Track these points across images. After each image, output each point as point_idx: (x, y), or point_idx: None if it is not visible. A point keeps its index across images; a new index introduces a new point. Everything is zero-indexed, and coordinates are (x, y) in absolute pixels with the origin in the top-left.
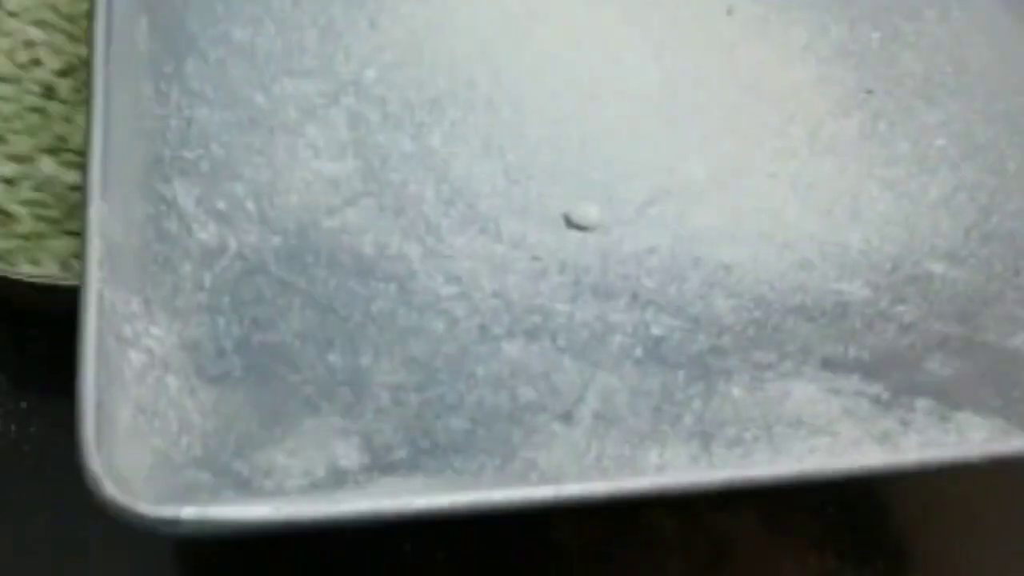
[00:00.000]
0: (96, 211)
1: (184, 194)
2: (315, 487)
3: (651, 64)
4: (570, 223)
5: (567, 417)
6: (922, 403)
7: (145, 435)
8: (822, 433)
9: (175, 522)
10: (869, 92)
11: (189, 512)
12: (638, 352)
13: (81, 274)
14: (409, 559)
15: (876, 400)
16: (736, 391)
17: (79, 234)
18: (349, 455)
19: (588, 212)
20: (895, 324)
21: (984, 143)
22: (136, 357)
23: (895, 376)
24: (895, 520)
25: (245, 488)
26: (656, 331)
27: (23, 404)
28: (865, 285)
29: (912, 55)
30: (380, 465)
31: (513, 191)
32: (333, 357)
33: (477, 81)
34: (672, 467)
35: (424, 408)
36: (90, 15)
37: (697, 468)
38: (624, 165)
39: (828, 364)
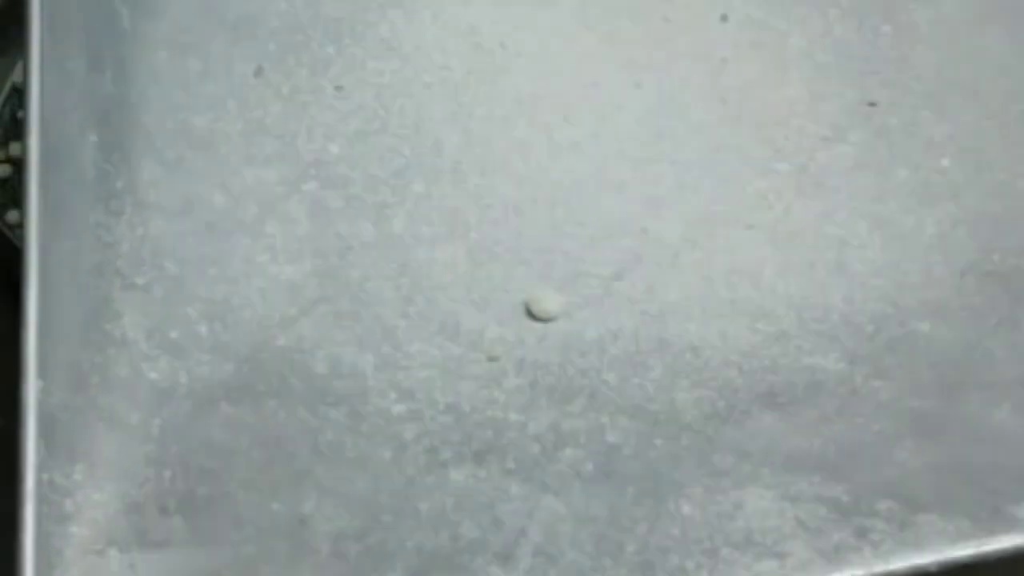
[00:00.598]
0: (32, 389)
1: (134, 329)
2: None
3: (632, 95)
4: (531, 314)
5: (506, 557)
6: (884, 505)
7: None
8: (768, 556)
9: None
10: (872, 105)
11: None
12: (588, 467)
13: (18, 458)
14: None
15: (835, 506)
16: (686, 508)
17: None
18: None
19: (550, 303)
20: (869, 405)
21: (994, 159)
22: (78, 532)
23: (860, 473)
24: None
25: None
26: (611, 438)
27: None
28: (842, 358)
29: (925, 50)
30: None
31: (475, 277)
32: (276, 506)
33: (443, 144)
34: None
35: (363, 559)
36: (24, 160)
37: None
38: (594, 227)
39: (788, 464)
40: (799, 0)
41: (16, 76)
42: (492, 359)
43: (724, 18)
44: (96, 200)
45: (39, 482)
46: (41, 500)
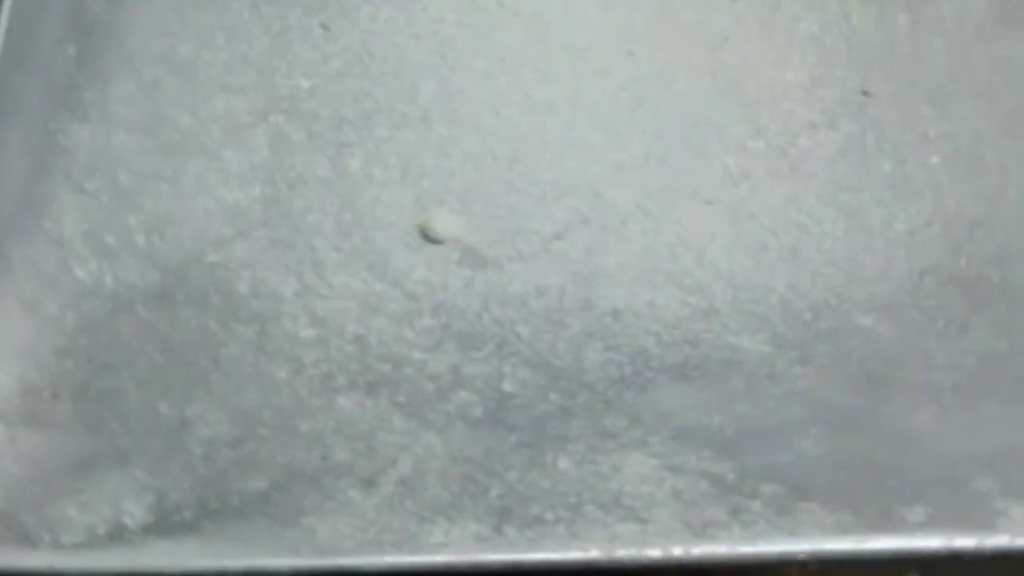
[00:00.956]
0: None
1: (72, 229)
2: (91, 544)
3: (621, 62)
4: (463, 261)
5: (369, 483)
6: (768, 489)
7: None
8: (634, 519)
9: None
10: (866, 94)
11: None
12: (477, 412)
13: None
14: None
15: (717, 482)
16: (563, 463)
17: None
18: (135, 513)
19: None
20: (782, 390)
21: (989, 163)
22: None
23: (753, 455)
24: None
25: (24, 542)
26: (508, 387)
27: None
28: (768, 341)
29: (942, 45)
30: (161, 527)
31: (415, 221)
32: (163, 406)
33: (418, 92)
34: (451, 545)
35: (230, 466)
36: None
37: (473, 548)
38: (546, 188)
39: (681, 435)
40: None
41: None
42: (411, 298)
43: None
44: (61, 107)
45: None
46: None
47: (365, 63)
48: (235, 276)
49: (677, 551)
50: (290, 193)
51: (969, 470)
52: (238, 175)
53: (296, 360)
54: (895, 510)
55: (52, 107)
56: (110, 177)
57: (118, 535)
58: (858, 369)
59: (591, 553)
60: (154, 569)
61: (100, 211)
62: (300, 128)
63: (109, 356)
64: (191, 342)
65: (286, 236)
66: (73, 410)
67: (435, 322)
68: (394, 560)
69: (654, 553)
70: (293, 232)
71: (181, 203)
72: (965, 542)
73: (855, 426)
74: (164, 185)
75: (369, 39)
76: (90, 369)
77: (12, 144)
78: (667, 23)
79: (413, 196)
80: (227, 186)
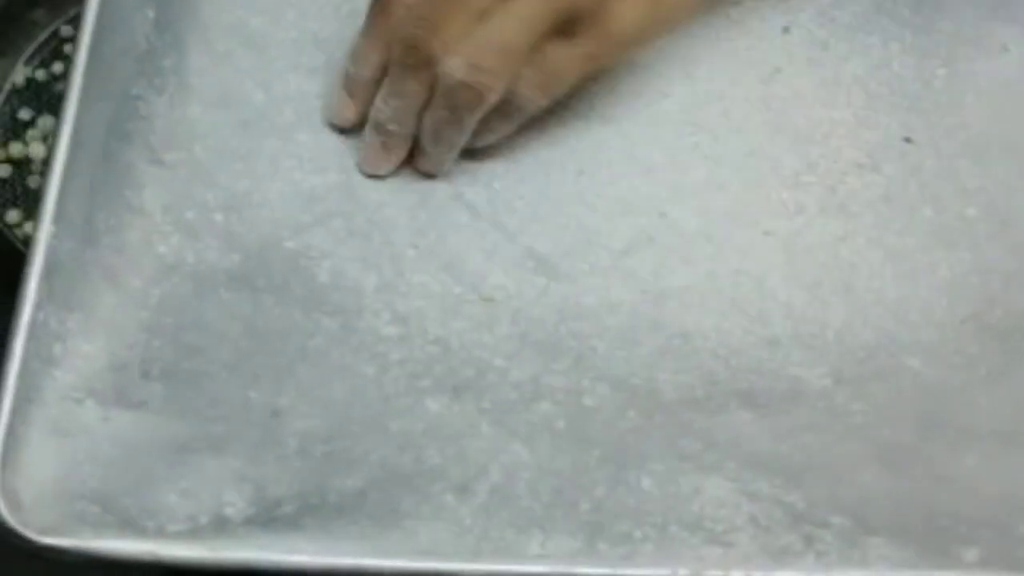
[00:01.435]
0: (45, 232)
1: (153, 201)
2: (195, 532)
3: (679, 83)
4: (538, 269)
5: (463, 489)
6: (837, 520)
7: (50, 460)
8: (717, 542)
9: (58, 550)
10: (907, 141)
11: (69, 543)
12: (560, 423)
13: (20, 293)
14: None
15: (790, 510)
16: (646, 481)
17: None
18: (236, 504)
19: (558, 261)
20: (844, 425)
21: (1020, 218)
22: (61, 377)
23: (820, 486)
24: None
25: (128, 527)
26: (588, 401)
27: None
28: (827, 374)
29: (975, 100)
30: (263, 519)
31: (489, 224)
32: (254, 394)
33: None
34: (549, 557)
35: (326, 461)
36: (83, 10)
37: (570, 561)
38: (614, 203)
39: (754, 462)
40: (865, 27)
41: (16, 76)
42: (487, 300)
43: (786, 30)
44: (141, 74)
45: (34, 320)
46: (31, 337)
47: None
48: (315, 265)
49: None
50: (364, 182)
51: (1014, 514)
52: (312, 159)
53: (382, 357)
54: (952, 549)
55: (134, 73)
56: (187, 150)
57: (221, 526)
58: (908, 409)
59: (680, 573)
60: (267, 564)
61: (179, 184)
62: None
63: (195, 338)
64: (276, 330)
65: (363, 228)
66: (164, 392)
67: (513, 329)
68: (497, 568)
69: None
70: (369, 224)
71: (257, 183)
72: None
73: (909, 465)
74: (239, 163)
75: None
76: (177, 350)
77: (100, 111)
78: (723, 51)
79: (485, 198)
80: (302, 170)
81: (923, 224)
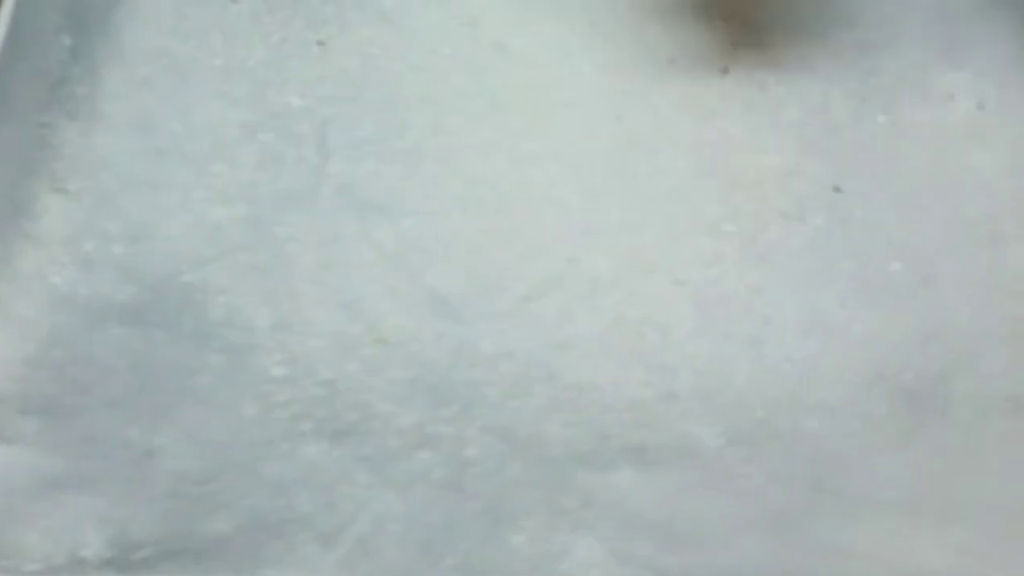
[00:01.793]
0: None
1: (51, 231)
2: (49, 573)
3: (609, 125)
4: (438, 311)
5: (328, 539)
6: None
7: None
8: None
9: None
10: (837, 190)
11: None
12: (438, 474)
13: None
14: None
15: (662, 575)
16: (517, 538)
17: None
18: (94, 545)
19: (460, 304)
20: (732, 487)
21: (945, 276)
22: None
23: (698, 550)
24: None
25: None
26: (470, 451)
27: None
28: (723, 434)
29: (913, 149)
30: (119, 563)
31: (395, 263)
32: (132, 432)
33: (409, 127)
34: None
35: (195, 504)
36: None
37: None
38: (524, 244)
39: (632, 523)
40: (806, 70)
41: None
42: (381, 342)
43: (725, 71)
44: (52, 101)
45: None
46: None
47: (359, 88)
48: (210, 301)
49: None
50: (272, 217)
51: None
52: (223, 192)
53: (266, 398)
54: None
55: (44, 100)
56: (94, 179)
57: (76, 568)
58: (802, 474)
59: None
60: None
61: (81, 214)
62: (288, 149)
63: (80, 373)
64: (163, 366)
65: (265, 263)
66: (40, 427)
67: (405, 374)
68: None
69: None
70: (272, 260)
71: (163, 215)
72: None
73: (795, 532)
74: (148, 193)
75: (365, 63)
76: (61, 384)
77: (2, 137)
78: (657, 92)
79: (394, 237)
80: (211, 202)
81: (844, 278)
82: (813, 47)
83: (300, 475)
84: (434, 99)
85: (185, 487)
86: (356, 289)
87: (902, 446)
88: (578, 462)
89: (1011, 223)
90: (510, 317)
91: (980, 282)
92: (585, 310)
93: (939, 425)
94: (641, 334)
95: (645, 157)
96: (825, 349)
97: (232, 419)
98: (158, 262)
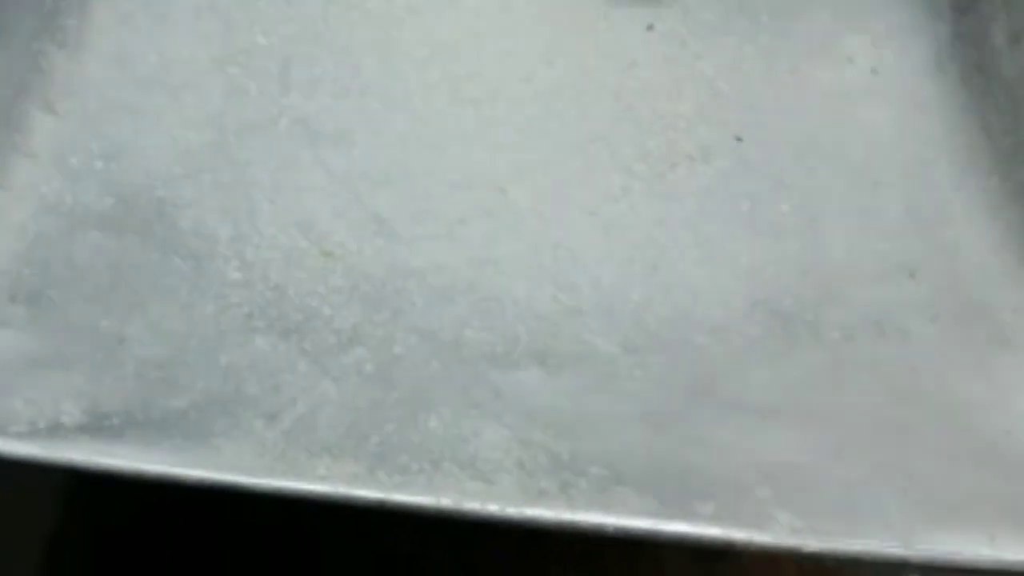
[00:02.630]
0: None
1: (42, 147)
2: (32, 434)
3: (542, 71)
4: (379, 231)
5: (272, 416)
6: (595, 470)
7: None
8: (482, 480)
9: None
10: (739, 139)
11: None
12: (369, 367)
13: None
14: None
15: (555, 458)
16: (433, 423)
17: None
18: (72, 413)
19: (398, 226)
20: (620, 389)
21: (828, 216)
22: None
23: (588, 439)
24: None
25: None
26: (397, 350)
27: None
28: (619, 343)
29: (812, 106)
30: (92, 428)
31: (342, 187)
32: (105, 322)
33: (361, 68)
34: (331, 479)
35: (157, 385)
36: None
37: (348, 485)
38: (459, 175)
39: (533, 414)
40: (724, 28)
41: None
42: (327, 255)
43: (650, 27)
44: (44, 30)
45: None
46: None
47: (319, 31)
48: (179, 213)
49: (512, 511)
50: (236, 142)
51: (754, 479)
52: (193, 118)
53: (224, 298)
54: (691, 504)
55: (37, 29)
56: (80, 102)
57: (56, 431)
58: (684, 380)
59: (443, 502)
60: (88, 465)
61: (68, 133)
62: (252, 82)
63: (62, 270)
64: (134, 268)
65: (228, 182)
66: (26, 314)
67: (345, 282)
68: (282, 485)
69: (493, 509)
70: (234, 180)
71: (139, 136)
72: (738, 536)
73: (671, 428)
74: (127, 117)
75: (327, 7)
76: (45, 279)
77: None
78: (587, 41)
79: (344, 164)
80: (182, 127)
81: (737, 216)
82: (732, 9)
83: (250, 363)
84: (386, 44)
85: (149, 370)
86: (308, 208)
87: (775, 361)
88: (491, 362)
89: (892, 172)
90: (441, 238)
91: (858, 223)
92: (508, 235)
93: (810, 345)
94: (555, 257)
95: (571, 102)
96: (714, 276)
97: (193, 315)
98: (135, 177)
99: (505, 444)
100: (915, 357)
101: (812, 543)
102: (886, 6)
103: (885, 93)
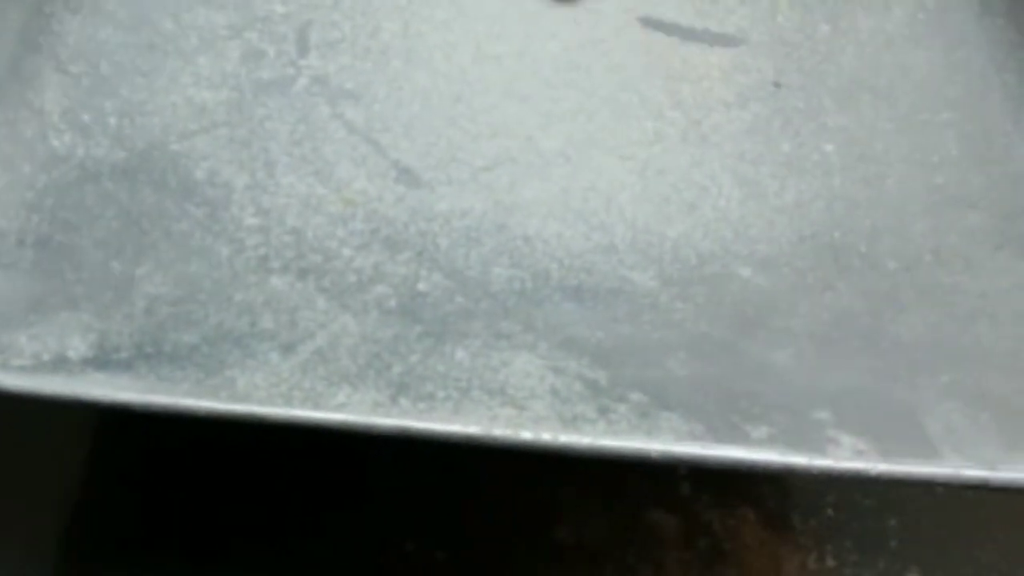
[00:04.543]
0: None
1: (52, 104)
2: (36, 368)
3: (567, 28)
4: (400, 178)
5: (288, 348)
6: (635, 396)
7: None
8: (511, 405)
9: None
10: (777, 85)
11: None
12: (391, 303)
13: None
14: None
15: (591, 385)
16: (460, 353)
17: None
18: (78, 348)
19: (421, 173)
20: (661, 319)
21: (876, 154)
22: None
23: (626, 367)
24: (895, 520)
25: None
26: (421, 286)
27: None
28: (656, 276)
29: (855, 51)
30: (99, 361)
31: (363, 139)
32: (116, 264)
33: (381, 30)
34: (350, 407)
35: (168, 320)
36: None
37: (368, 412)
38: (483, 126)
39: (568, 344)
40: None
41: None
42: (347, 202)
43: None
44: None
45: None
46: None
47: None
48: (194, 165)
49: (546, 436)
50: (252, 100)
51: (811, 402)
52: (208, 78)
53: (239, 241)
54: (742, 428)
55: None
56: (93, 64)
57: (61, 364)
58: (730, 311)
59: (471, 429)
60: (88, 397)
61: (80, 92)
62: (270, 46)
63: (72, 216)
64: (147, 214)
65: (244, 136)
66: (34, 256)
67: (366, 226)
68: (298, 414)
69: (526, 435)
70: (251, 134)
71: (153, 96)
72: (797, 460)
73: (719, 356)
74: (140, 78)
75: None
76: (53, 225)
77: (9, 21)
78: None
79: (364, 118)
80: (197, 87)
81: (779, 156)
82: None
83: (265, 300)
84: (406, 7)
85: (160, 307)
86: (326, 159)
87: (824, 291)
88: (520, 297)
89: (943, 111)
90: (466, 184)
91: (909, 160)
92: (536, 179)
93: (864, 274)
94: (586, 199)
95: (599, 57)
96: (758, 212)
97: (207, 257)
98: (148, 133)
99: (539, 372)
100: (981, 284)
101: (879, 466)
102: None
103: (930, 37)
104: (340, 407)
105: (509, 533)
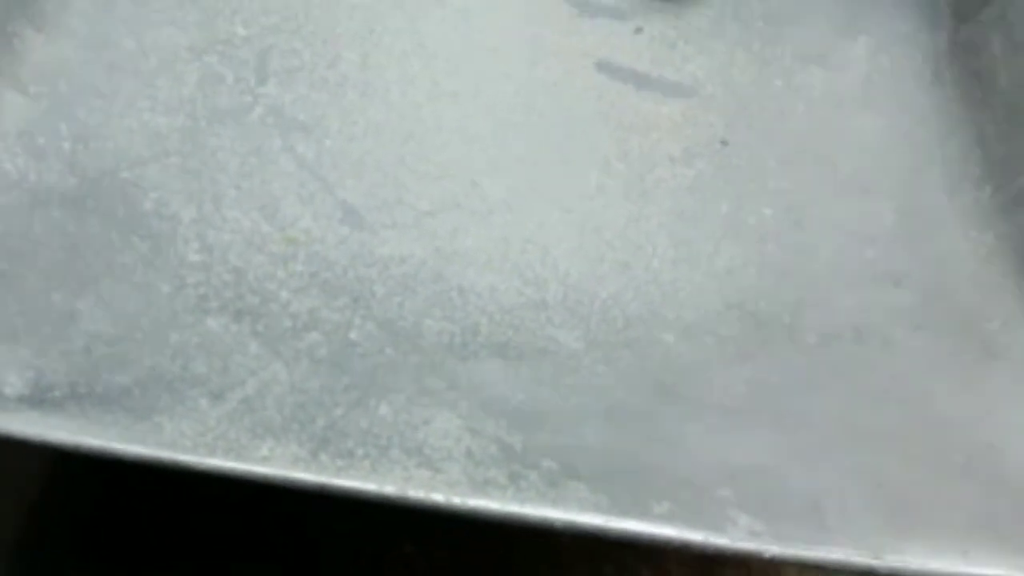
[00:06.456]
0: None
1: (10, 125)
2: None
3: (524, 70)
4: (345, 219)
5: (217, 396)
6: (547, 464)
7: None
8: (429, 467)
9: None
10: (724, 143)
11: None
12: (323, 351)
13: None
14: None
15: (506, 449)
16: (384, 409)
17: None
18: (15, 384)
19: (366, 214)
20: (582, 383)
21: (812, 222)
22: None
23: (543, 431)
24: None
25: None
26: (353, 335)
27: None
28: (582, 338)
29: (805, 110)
30: (33, 400)
31: (312, 175)
32: (56, 296)
33: (340, 60)
34: (272, 460)
35: (103, 360)
36: None
37: (289, 467)
38: (432, 166)
39: (488, 404)
40: (715, 33)
41: None
42: (290, 241)
43: (639, 30)
44: (23, 14)
45: None
46: None
47: (300, 22)
48: (143, 195)
49: (456, 500)
50: (207, 129)
51: (715, 479)
52: (165, 103)
53: (180, 279)
54: (645, 501)
55: (15, 11)
56: (52, 84)
57: None
58: (650, 378)
59: (386, 489)
60: (21, 435)
61: (37, 113)
62: (229, 70)
63: (18, 244)
64: (92, 246)
65: (195, 167)
66: None
67: (306, 268)
68: (220, 464)
69: (438, 498)
70: (202, 165)
71: (109, 120)
72: (694, 537)
73: (633, 425)
74: (98, 100)
75: (309, 0)
76: None
77: None
78: (571, 41)
79: (315, 153)
80: (153, 112)
81: (717, 217)
82: (726, 15)
83: (199, 342)
84: (367, 37)
85: (97, 346)
86: (274, 195)
87: (746, 361)
88: (448, 352)
89: (883, 180)
90: (409, 228)
91: (844, 229)
92: (477, 227)
93: (784, 346)
94: (523, 251)
95: (552, 100)
96: (688, 276)
97: (147, 294)
98: (101, 159)
99: (456, 432)
100: (896, 365)
101: (772, 548)
102: (885, 15)
103: (879, 102)
104: (262, 460)
105: (509, 533)
